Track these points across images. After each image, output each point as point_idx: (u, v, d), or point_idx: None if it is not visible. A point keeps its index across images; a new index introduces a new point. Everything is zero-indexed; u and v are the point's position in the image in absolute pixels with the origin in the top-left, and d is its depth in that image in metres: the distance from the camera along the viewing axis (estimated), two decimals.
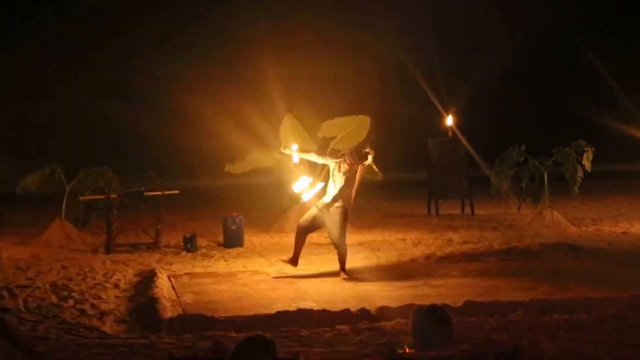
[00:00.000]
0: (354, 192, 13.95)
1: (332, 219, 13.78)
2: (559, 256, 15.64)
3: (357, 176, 13.91)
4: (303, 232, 14.11)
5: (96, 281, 14.02)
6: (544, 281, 13.07)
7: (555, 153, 19.40)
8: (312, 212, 14.10)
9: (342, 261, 13.95)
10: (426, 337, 5.96)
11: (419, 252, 16.34)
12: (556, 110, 31.82)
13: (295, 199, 20.07)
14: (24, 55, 32.24)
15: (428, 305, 6.17)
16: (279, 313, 11.01)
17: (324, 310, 11.10)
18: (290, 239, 18.21)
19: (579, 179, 19.31)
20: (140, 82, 30.74)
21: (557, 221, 19.08)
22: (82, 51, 32.66)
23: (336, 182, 13.74)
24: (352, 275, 13.86)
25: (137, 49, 32.17)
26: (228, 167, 19.87)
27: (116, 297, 12.88)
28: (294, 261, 14.08)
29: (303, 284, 13.37)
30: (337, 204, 13.77)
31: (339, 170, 13.78)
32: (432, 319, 6.01)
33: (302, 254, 14.47)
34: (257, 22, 31.56)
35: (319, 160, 14.40)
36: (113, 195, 17.94)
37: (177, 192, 18.25)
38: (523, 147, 19.61)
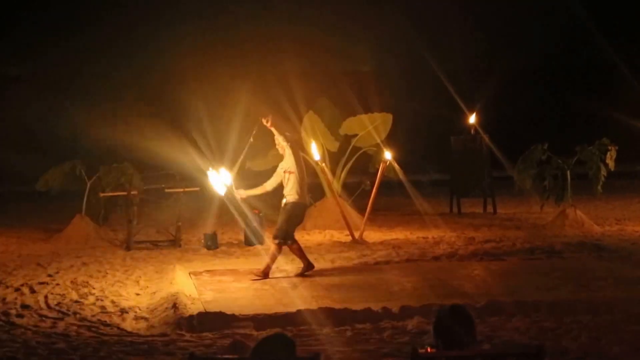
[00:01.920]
0: (297, 183, 13.54)
1: (282, 213, 13.61)
2: (582, 255, 15.51)
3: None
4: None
5: (116, 278, 14.03)
6: (567, 281, 12.99)
7: (578, 151, 19.23)
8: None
9: (269, 260, 13.67)
10: (448, 336, 5.89)
11: (440, 250, 16.24)
12: (580, 108, 31.59)
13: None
14: (38, 51, 32.10)
15: (450, 305, 6.10)
16: (299, 311, 10.98)
17: (345, 309, 11.06)
18: (311, 237, 18.22)
19: (603, 178, 19.13)
20: (158, 78, 30.58)
21: (581, 220, 18.94)
22: (92, 43, 32.47)
23: (287, 172, 13.53)
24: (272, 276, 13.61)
25: (154, 48, 32.03)
26: (249, 164, 19.81)
27: (136, 294, 12.91)
28: (307, 267, 13.90)
29: (324, 282, 13.30)
30: (284, 199, 13.61)
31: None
32: (454, 318, 5.94)
33: (321, 252, 14.34)
34: (276, 16, 31.42)
35: (276, 178, 13.85)
36: (134, 192, 17.92)
37: (198, 189, 18.19)
38: (546, 146, 19.46)
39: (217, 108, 21.47)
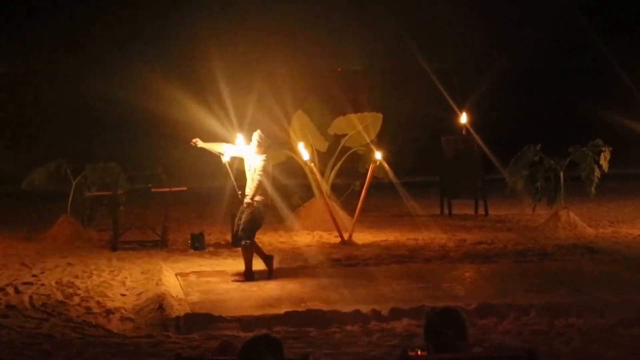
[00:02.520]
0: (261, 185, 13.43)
1: (245, 213, 13.49)
2: (575, 258, 15.37)
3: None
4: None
5: (102, 279, 13.91)
6: (559, 283, 12.91)
7: (571, 153, 19.12)
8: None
9: (246, 264, 13.57)
10: (440, 339, 5.79)
11: (431, 252, 16.13)
12: (573, 109, 31.50)
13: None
14: (21, 46, 31.85)
15: (442, 307, 5.98)
16: (287, 313, 10.93)
17: (333, 311, 10.99)
18: (300, 238, 18.09)
19: (596, 180, 19.01)
20: (145, 76, 30.33)
21: (573, 222, 18.81)
22: (84, 41, 32.26)
23: (253, 178, 13.45)
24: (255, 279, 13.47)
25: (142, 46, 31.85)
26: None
27: (122, 295, 12.82)
28: (248, 276, 13.56)
29: (312, 283, 13.20)
30: (247, 199, 13.50)
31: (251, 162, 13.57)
32: (446, 321, 5.83)
33: (310, 254, 14.27)
34: (264, 14, 31.30)
35: (235, 152, 13.83)
36: (120, 192, 17.76)
37: (185, 189, 18.05)
38: (539, 147, 19.34)
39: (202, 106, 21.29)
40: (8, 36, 31.09)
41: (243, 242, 13.49)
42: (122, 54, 31.35)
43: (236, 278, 13.51)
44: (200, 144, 13.89)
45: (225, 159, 13.81)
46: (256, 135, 13.56)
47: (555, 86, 33.37)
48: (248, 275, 13.48)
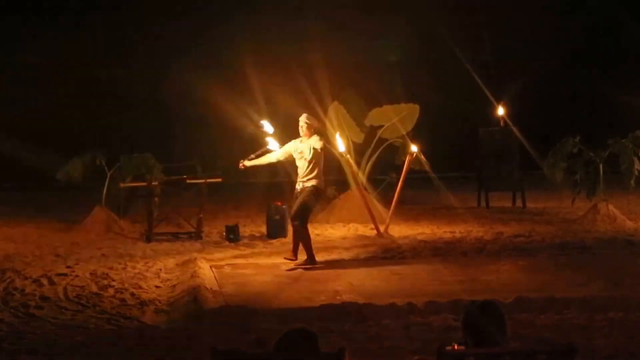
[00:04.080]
0: (319, 171, 13.70)
1: (300, 196, 13.60)
2: (614, 251, 15.25)
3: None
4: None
5: (136, 270, 13.91)
6: (598, 277, 12.74)
7: (611, 144, 18.90)
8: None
9: (294, 244, 13.80)
10: (478, 333, 5.72)
11: (468, 245, 16.02)
12: (613, 100, 31.08)
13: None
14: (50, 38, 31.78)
15: (481, 300, 5.89)
16: (323, 306, 10.89)
17: (369, 304, 10.91)
18: (335, 230, 18.01)
19: (636, 172, 18.79)
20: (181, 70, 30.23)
21: (613, 215, 18.62)
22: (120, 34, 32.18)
23: (310, 161, 13.60)
24: (301, 265, 13.64)
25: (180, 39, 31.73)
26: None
27: (156, 286, 12.81)
28: (312, 260, 13.77)
29: (348, 276, 13.12)
30: (302, 184, 13.65)
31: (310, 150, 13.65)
32: (485, 315, 5.78)
33: (346, 246, 14.24)
34: (301, 5, 31.13)
35: (283, 152, 14.11)
36: (154, 183, 17.74)
37: (220, 180, 17.98)
38: (577, 138, 19.14)
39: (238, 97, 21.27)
40: (39, 27, 31.00)
41: (295, 223, 13.54)
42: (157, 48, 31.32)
43: (299, 266, 13.61)
44: (247, 163, 14.15)
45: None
46: (303, 118, 13.68)
47: (595, 77, 32.95)
48: (311, 259, 13.67)
